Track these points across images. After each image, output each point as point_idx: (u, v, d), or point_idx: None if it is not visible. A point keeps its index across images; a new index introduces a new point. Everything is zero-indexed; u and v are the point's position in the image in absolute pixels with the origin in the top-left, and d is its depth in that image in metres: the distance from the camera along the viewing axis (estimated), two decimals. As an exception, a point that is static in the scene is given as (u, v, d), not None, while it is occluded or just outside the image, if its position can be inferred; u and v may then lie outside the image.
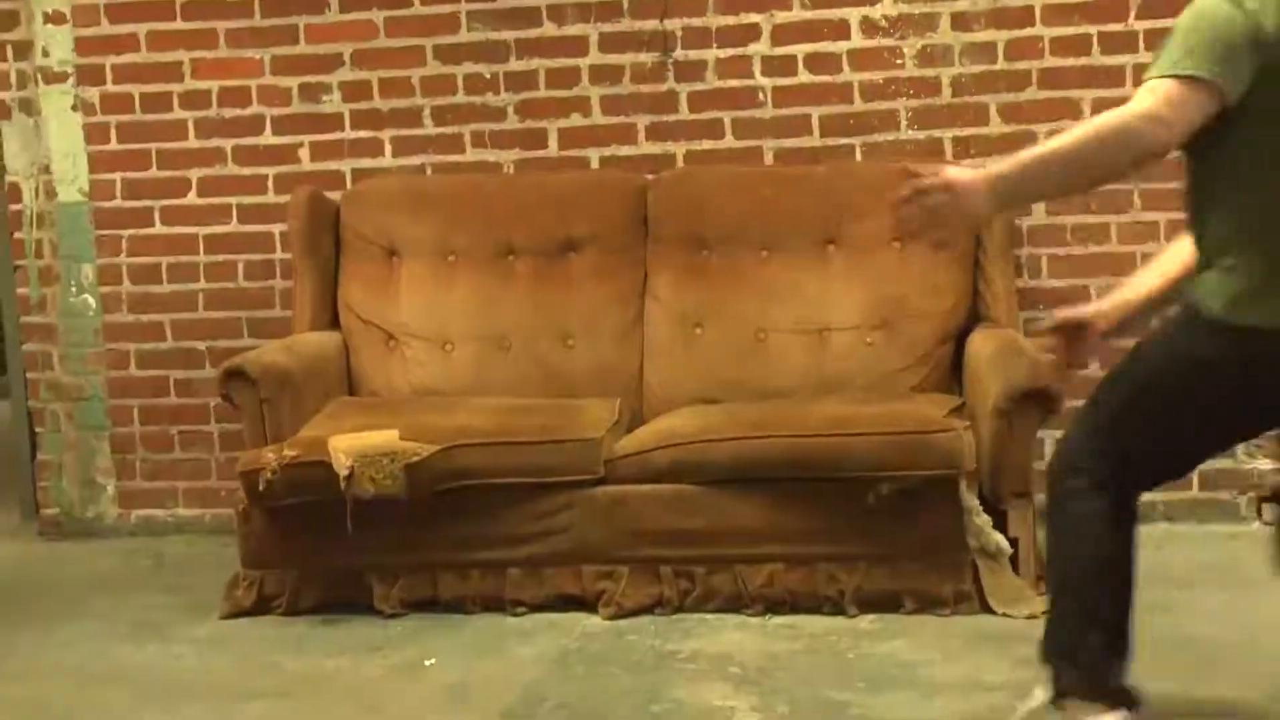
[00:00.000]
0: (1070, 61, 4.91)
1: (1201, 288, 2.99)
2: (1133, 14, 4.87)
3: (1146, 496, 4.78)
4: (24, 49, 5.46)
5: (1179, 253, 3.22)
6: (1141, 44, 4.84)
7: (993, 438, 4.15)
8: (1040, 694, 3.17)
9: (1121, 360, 3.18)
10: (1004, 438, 4.14)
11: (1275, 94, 2.91)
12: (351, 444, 4.31)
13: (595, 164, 5.21)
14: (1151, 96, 2.93)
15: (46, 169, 5.49)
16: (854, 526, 4.21)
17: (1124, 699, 3.03)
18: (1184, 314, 3.07)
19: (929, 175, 3.01)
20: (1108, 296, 3.34)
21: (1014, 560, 4.23)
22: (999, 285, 4.72)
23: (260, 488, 4.33)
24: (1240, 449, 4.86)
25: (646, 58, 5.15)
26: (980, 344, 4.55)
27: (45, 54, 5.45)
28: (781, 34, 5.07)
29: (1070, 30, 4.92)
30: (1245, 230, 2.96)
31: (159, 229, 5.46)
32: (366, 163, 5.31)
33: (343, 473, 4.25)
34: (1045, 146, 3.03)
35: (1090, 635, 3.08)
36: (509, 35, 5.21)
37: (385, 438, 4.33)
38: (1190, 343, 3.02)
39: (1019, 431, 4.15)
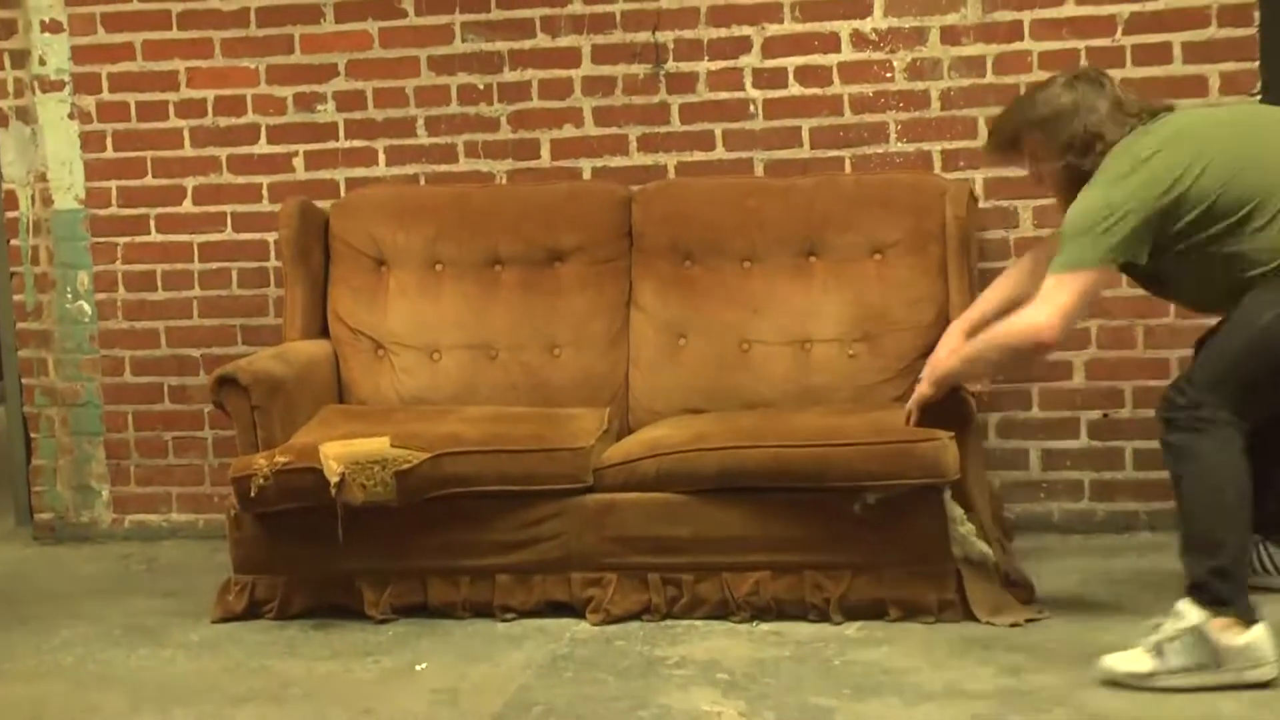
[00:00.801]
0: (1057, 75, 4.95)
1: None
2: (1120, 29, 4.91)
3: (1131, 505, 4.90)
4: (21, 57, 5.49)
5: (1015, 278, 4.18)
6: (1128, 58, 4.89)
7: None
8: (1184, 616, 3.62)
9: (1236, 318, 3.72)
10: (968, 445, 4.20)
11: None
12: (343, 451, 4.32)
13: (587, 174, 5.23)
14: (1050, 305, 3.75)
15: (43, 176, 5.52)
16: (839, 535, 4.22)
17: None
18: None
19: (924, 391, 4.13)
20: (957, 336, 4.17)
21: (999, 568, 4.27)
22: (956, 298, 4.68)
23: (252, 493, 4.35)
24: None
25: (638, 69, 5.19)
26: None
27: (42, 62, 5.48)
28: (772, 46, 5.11)
29: (1058, 45, 4.95)
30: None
31: (154, 236, 5.49)
32: (360, 172, 5.34)
33: (334, 479, 4.27)
34: (972, 348, 4.03)
35: (1233, 551, 3.66)
36: (502, 46, 5.24)
37: (376, 445, 4.34)
38: None
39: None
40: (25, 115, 5.51)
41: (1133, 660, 3.65)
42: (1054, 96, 3.87)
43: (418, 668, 4.06)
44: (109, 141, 5.49)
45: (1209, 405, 3.66)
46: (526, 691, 3.83)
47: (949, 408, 4.15)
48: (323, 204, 5.21)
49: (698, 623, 4.27)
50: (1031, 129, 3.90)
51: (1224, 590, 3.59)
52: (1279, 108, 4.09)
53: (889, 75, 5.05)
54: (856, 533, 4.21)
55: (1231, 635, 3.55)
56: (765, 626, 4.23)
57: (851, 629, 4.17)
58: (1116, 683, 3.62)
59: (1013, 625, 4.12)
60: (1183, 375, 3.84)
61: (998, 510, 4.73)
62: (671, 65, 5.16)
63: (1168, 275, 3.87)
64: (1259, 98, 4.82)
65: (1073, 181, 3.84)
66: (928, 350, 4.68)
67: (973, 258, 4.76)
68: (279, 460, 4.36)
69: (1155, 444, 4.84)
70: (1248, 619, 3.58)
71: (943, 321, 4.71)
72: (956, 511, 4.22)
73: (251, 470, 4.36)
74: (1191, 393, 3.70)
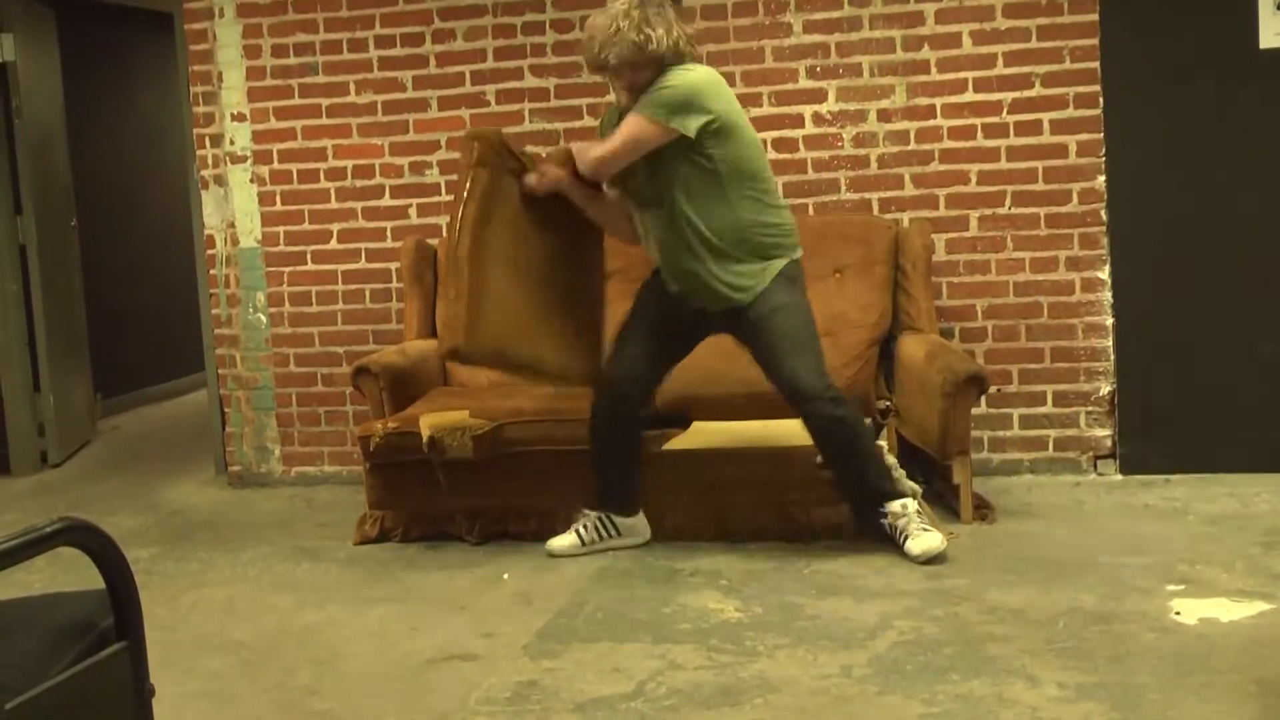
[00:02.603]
0: (962, 144, 4.85)
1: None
2: (1005, 110, 4.81)
3: (1017, 455, 4.80)
4: (217, 139, 5.45)
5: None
6: (1011, 132, 4.79)
7: (941, 414, 4.06)
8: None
9: (781, 324, 3.81)
10: (950, 413, 4.06)
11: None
12: (434, 420, 4.28)
13: (621, 219, 5.14)
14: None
15: (232, 224, 5.47)
16: (806, 480, 4.10)
17: None
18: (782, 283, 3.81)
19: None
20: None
21: (925, 499, 4.17)
22: (922, 303, 4.61)
23: (371, 448, 4.31)
24: (1082, 419, 4.82)
25: (658, 142, 5.10)
26: (914, 346, 4.44)
27: (231, 143, 5.43)
28: (756, 124, 4.81)
29: (961, 121, 4.85)
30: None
31: (310, 266, 5.42)
32: (458, 219, 5.27)
33: (425, 440, 4.22)
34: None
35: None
36: (559, 125, 5.16)
37: (459, 415, 4.30)
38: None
39: (961, 407, 4.08)
40: (220, 181, 5.47)
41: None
42: (643, 33, 3.69)
43: (504, 577, 4.00)
44: (278, 198, 5.43)
45: (830, 387, 3.81)
46: (581, 594, 3.77)
47: None
48: (431, 241, 5.13)
49: (705, 544, 4.18)
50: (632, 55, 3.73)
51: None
52: None
53: (840, 144, 4.95)
54: (822, 477, 4.08)
55: None
56: (754, 545, 4.14)
57: (818, 546, 4.08)
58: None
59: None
60: (804, 369, 3.80)
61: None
62: (682, 139, 5.07)
63: (687, 193, 3.76)
64: (1104, 160, 4.73)
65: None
66: (873, 343, 4.61)
67: (930, 274, 4.73)
68: (390, 425, 4.32)
69: (1037, 410, 4.83)
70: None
71: (885, 323, 4.65)
72: (891, 460, 4.13)
73: (371, 432, 4.33)
74: (825, 380, 3.79)
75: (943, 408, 4.06)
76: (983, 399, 4.83)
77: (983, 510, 4.26)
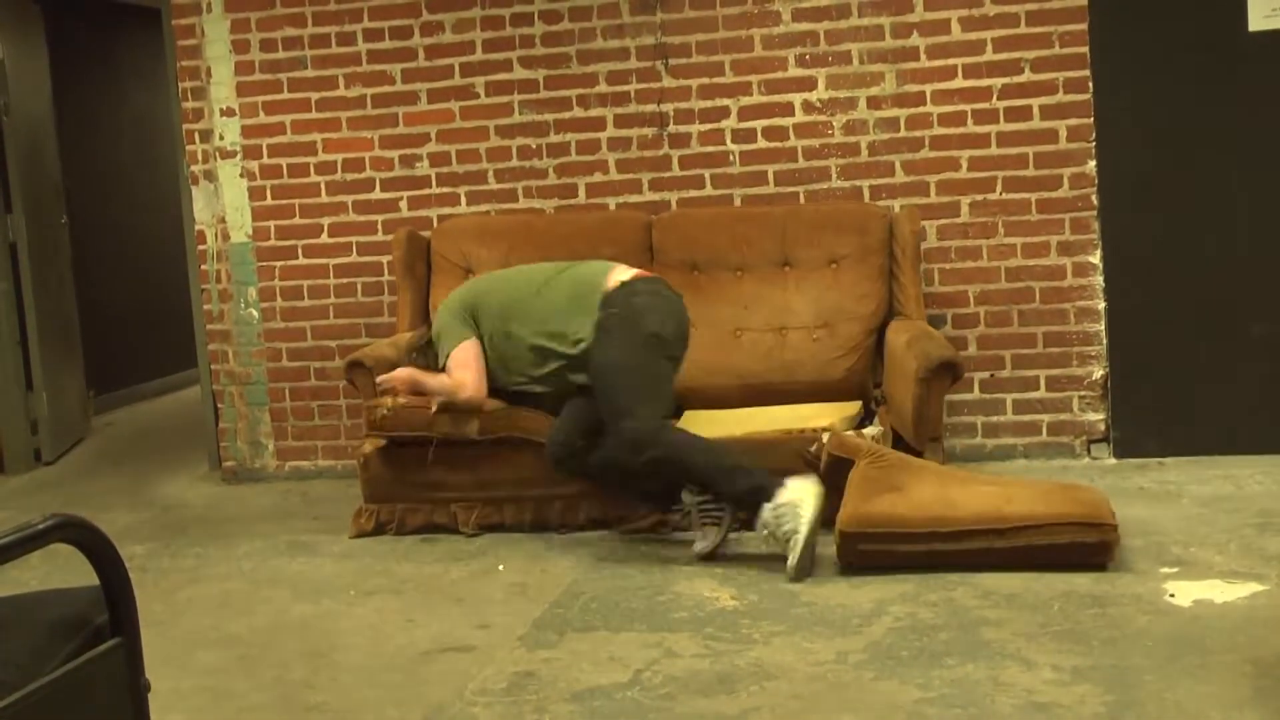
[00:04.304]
0: (952, 130, 4.85)
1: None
2: (995, 96, 4.81)
3: (1011, 440, 4.82)
4: (206, 135, 5.44)
5: None
6: (1002, 117, 4.79)
7: (914, 399, 4.05)
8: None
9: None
10: (923, 399, 4.05)
11: None
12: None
13: (612, 208, 5.13)
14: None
15: (223, 219, 5.46)
16: (800, 467, 4.07)
17: None
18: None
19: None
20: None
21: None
22: (910, 290, 4.59)
23: (378, 419, 4.31)
24: (1075, 403, 4.83)
25: (648, 131, 5.09)
26: (897, 332, 4.43)
27: (221, 138, 5.42)
28: (745, 113, 5.01)
29: (951, 108, 4.85)
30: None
31: (301, 261, 5.41)
32: (447, 210, 5.25)
33: (434, 414, 4.25)
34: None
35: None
36: (549, 117, 5.15)
37: None
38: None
39: (934, 393, 4.07)
40: (210, 176, 5.45)
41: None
42: None
43: (499, 568, 4.00)
44: (268, 193, 5.41)
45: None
46: (577, 584, 3.78)
47: None
48: (423, 233, 5.12)
49: (698, 533, 4.15)
50: None
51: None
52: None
53: (830, 132, 4.95)
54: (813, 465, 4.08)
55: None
56: (748, 533, 4.11)
57: (811, 534, 4.09)
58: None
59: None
60: (620, 420, 3.91)
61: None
62: (672, 128, 5.07)
63: None
64: (1094, 144, 4.73)
65: None
66: (870, 333, 4.60)
67: (919, 261, 4.71)
68: (399, 400, 4.32)
69: (1030, 395, 4.84)
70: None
71: (881, 311, 4.63)
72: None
73: (379, 404, 4.33)
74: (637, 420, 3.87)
75: (916, 393, 4.05)
76: (976, 384, 4.85)
77: None
